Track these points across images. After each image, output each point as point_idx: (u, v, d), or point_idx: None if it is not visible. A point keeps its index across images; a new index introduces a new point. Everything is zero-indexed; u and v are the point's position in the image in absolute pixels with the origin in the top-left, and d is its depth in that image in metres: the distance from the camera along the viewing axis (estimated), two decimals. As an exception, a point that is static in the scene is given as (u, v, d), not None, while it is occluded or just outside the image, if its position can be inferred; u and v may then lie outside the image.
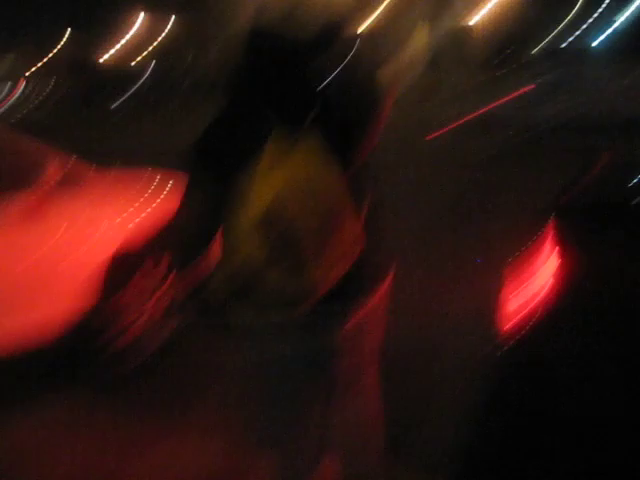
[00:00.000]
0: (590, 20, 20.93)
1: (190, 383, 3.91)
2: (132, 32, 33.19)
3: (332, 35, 2.11)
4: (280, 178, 1.91)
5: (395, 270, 2.40)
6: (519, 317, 2.43)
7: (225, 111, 2.11)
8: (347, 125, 2.03)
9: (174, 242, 2.25)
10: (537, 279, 2.48)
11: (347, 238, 1.99)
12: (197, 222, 2.08)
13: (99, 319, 3.83)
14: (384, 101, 2.12)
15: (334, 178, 1.96)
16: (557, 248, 2.40)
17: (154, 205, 4.20)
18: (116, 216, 4.13)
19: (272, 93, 2.02)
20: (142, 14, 32.17)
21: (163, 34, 32.32)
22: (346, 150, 2.02)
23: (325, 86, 2.04)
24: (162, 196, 4.32)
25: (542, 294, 2.35)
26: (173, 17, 31.67)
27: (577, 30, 21.36)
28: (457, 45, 33.12)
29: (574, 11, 21.71)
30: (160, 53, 34.97)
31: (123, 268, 3.95)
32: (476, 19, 25.51)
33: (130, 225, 4.09)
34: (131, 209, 4.19)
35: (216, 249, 2.16)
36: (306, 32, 2.05)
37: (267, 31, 2.06)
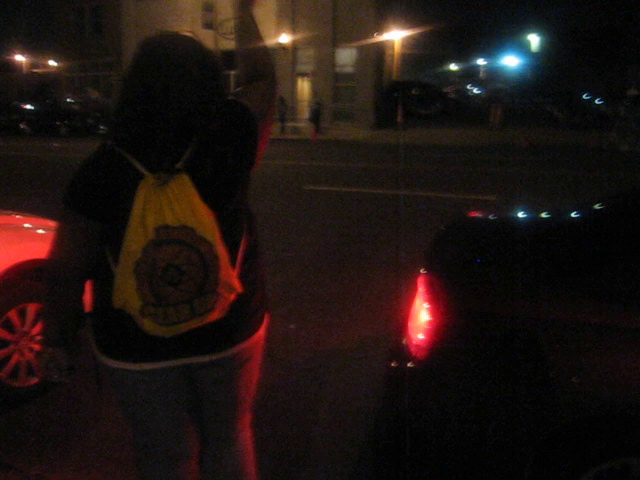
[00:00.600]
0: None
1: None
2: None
3: (214, 63, 2.05)
4: (151, 223, 1.89)
5: (272, 311, 2.45)
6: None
7: (99, 156, 2.04)
8: (220, 166, 2.02)
9: (48, 282, 2.18)
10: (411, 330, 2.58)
11: (223, 281, 1.98)
12: (72, 261, 2.07)
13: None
14: (261, 130, 2.14)
15: (210, 220, 1.94)
16: (426, 303, 2.51)
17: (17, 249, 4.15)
18: None
19: (138, 137, 1.98)
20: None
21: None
22: (219, 192, 2.02)
23: (203, 118, 1.97)
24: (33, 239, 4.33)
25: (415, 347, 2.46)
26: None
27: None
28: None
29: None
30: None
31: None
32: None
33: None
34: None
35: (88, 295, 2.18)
36: (175, 73, 1.95)
37: (138, 72, 1.98)
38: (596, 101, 35.97)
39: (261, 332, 2.32)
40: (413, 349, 2.44)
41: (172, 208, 1.91)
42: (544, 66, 58.69)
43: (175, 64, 1.94)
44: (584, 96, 37.95)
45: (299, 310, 5.92)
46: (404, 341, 2.58)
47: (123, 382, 2.21)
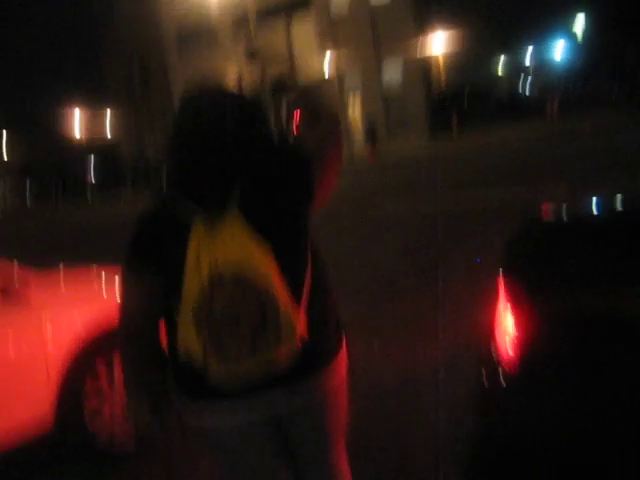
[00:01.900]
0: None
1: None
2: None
3: (252, 114, 2.14)
4: (205, 267, 1.92)
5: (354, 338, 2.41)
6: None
7: (152, 208, 2.14)
8: (273, 202, 2.06)
9: (122, 340, 2.22)
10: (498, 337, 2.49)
11: (283, 318, 1.96)
12: (141, 318, 2.12)
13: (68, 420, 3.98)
14: (315, 175, 2.13)
15: (265, 258, 1.94)
16: (510, 306, 2.42)
17: (99, 304, 4.26)
18: (64, 320, 4.17)
19: (188, 181, 2.07)
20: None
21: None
22: (276, 227, 2.03)
23: (247, 163, 2.05)
24: (105, 293, 4.44)
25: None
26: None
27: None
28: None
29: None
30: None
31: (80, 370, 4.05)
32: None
33: (79, 328, 4.10)
34: (77, 311, 4.27)
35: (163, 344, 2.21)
36: (222, 113, 2.07)
37: (188, 117, 2.10)
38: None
39: (340, 359, 2.27)
40: (503, 360, 2.35)
41: (226, 248, 1.93)
42: (593, 47, 57.32)
43: (211, 120, 2.04)
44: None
45: (381, 332, 5.86)
46: (493, 352, 2.49)
47: (209, 425, 2.21)
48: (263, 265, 1.93)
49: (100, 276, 4.70)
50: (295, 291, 2.03)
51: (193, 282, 1.94)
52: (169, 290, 2.03)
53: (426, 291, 7.02)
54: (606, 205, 3.18)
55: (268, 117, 2.18)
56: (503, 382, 2.33)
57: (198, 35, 37.13)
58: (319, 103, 2.42)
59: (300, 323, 2.02)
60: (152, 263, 2.05)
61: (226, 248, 1.93)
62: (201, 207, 1.99)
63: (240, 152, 2.04)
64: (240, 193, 2.00)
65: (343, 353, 2.29)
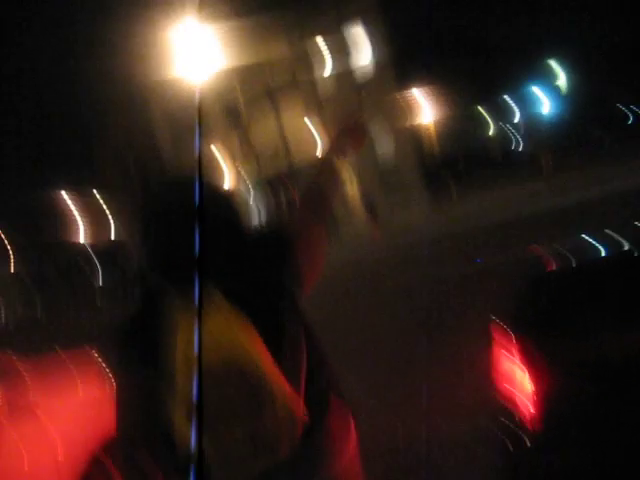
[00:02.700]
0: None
1: None
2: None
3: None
4: (193, 357, 1.82)
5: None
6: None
7: (138, 297, 2.20)
8: (259, 275, 2.07)
9: (121, 437, 2.21)
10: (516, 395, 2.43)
11: (286, 409, 1.95)
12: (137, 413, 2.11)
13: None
14: (301, 254, 2.17)
15: (250, 337, 1.95)
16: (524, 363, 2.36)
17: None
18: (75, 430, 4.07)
19: (161, 258, 2.08)
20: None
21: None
22: (263, 303, 2.04)
23: (226, 235, 2.06)
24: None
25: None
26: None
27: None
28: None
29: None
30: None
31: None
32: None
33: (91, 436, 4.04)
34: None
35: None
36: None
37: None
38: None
39: (350, 450, 2.23)
40: (525, 420, 2.28)
41: (216, 340, 1.93)
42: (579, 92, 57.97)
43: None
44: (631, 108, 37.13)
45: (397, 401, 5.73)
46: (513, 412, 2.42)
47: None
48: (258, 358, 1.95)
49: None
50: (294, 380, 2.01)
51: (184, 373, 1.92)
52: (161, 384, 1.99)
53: (439, 357, 6.91)
54: (607, 249, 3.16)
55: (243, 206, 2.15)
56: (528, 442, 2.26)
57: (189, 126, 37.72)
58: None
59: (301, 415, 1.99)
60: (143, 360, 2.04)
61: (218, 339, 1.94)
62: (182, 295, 1.97)
63: (220, 237, 2.01)
64: (226, 279, 1.99)
65: (353, 438, 2.25)
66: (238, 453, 1.94)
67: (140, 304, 2.16)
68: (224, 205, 2.15)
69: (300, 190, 2.38)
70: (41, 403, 4.13)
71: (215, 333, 1.93)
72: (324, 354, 2.25)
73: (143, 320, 2.10)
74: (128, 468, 2.26)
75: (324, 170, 2.36)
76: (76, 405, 4.44)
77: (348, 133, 2.39)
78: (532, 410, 2.24)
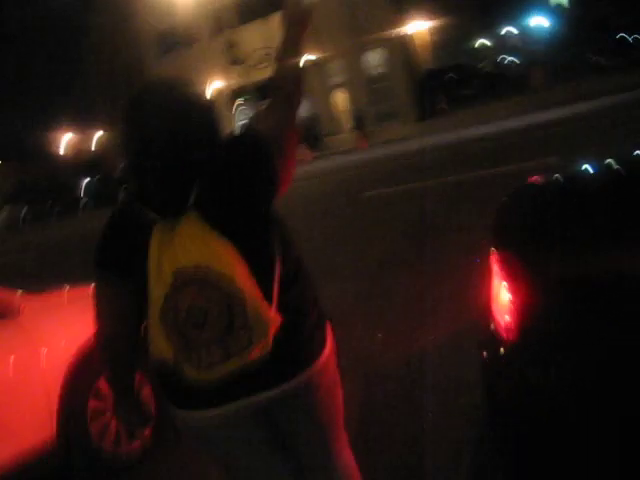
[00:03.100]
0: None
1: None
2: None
3: (188, 119, 1.98)
4: (167, 268, 1.87)
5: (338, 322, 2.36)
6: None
7: (116, 213, 2.12)
8: (232, 198, 1.98)
9: (100, 346, 2.21)
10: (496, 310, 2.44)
11: (253, 315, 1.88)
12: (115, 324, 2.11)
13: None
14: (272, 163, 2.05)
15: (227, 255, 1.88)
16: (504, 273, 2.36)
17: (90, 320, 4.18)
18: (60, 341, 4.11)
19: (143, 184, 2.01)
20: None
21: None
22: (236, 224, 1.95)
23: (201, 161, 1.96)
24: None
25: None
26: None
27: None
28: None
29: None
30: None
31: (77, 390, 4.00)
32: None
33: (76, 347, 4.04)
34: (73, 331, 4.16)
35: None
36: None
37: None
38: (637, 36, 34.77)
39: (326, 353, 2.19)
40: (502, 333, 2.29)
41: (185, 249, 1.88)
42: (575, 19, 57.25)
43: (154, 114, 1.94)
44: (622, 35, 36.75)
45: (381, 320, 5.81)
46: (492, 326, 2.44)
47: (198, 432, 2.20)
48: (225, 262, 1.86)
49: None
50: (265, 286, 1.96)
51: (157, 283, 1.90)
52: (140, 295, 1.98)
53: (423, 268, 6.99)
54: (599, 168, 3.14)
55: (218, 113, 2.08)
56: (502, 350, 2.28)
57: (178, 39, 37.01)
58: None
59: (272, 320, 1.95)
60: (118, 269, 2.03)
61: (185, 249, 1.88)
62: (158, 209, 1.96)
63: (192, 150, 1.95)
64: (197, 192, 1.94)
65: (330, 343, 2.23)
66: (208, 354, 1.90)
67: (123, 219, 2.10)
68: (202, 113, 2.01)
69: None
70: (25, 301, 4.14)
71: (190, 247, 1.88)
72: (301, 265, 2.21)
73: (123, 232, 2.06)
74: (110, 374, 2.28)
75: (284, 65, 2.27)
76: (61, 305, 4.46)
77: (294, 12, 2.30)
78: (507, 319, 2.25)
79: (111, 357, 2.19)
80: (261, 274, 1.95)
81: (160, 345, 1.94)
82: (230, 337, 1.88)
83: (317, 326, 2.18)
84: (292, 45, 2.27)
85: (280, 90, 2.25)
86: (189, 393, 2.03)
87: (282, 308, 2.00)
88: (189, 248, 1.88)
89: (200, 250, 1.87)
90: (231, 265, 1.87)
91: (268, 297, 1.96)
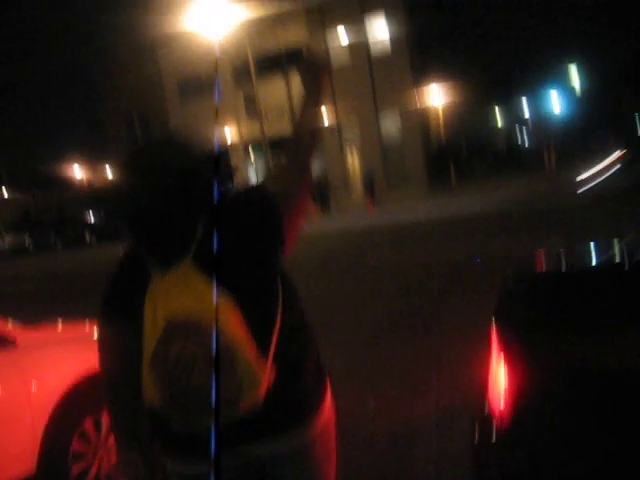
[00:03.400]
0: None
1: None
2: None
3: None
4: (160, 317, 1.90)
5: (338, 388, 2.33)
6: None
7: (121, 260, 2.17)
8: (234, 251, 1.96)
9: (106, 394, 2.23)
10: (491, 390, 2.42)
11: (247, 368, 1.88)
12: (119, 370, 2.14)
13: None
14: (278, 220, 2.06)
15: (222, 306, 1.87)
16: (503, 357, 2.34)
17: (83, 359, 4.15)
18: (45, 376, 4.09)
19: (144, 233, 2.04)
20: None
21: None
22: (236, 276, 1.93)
23: (204, 212, 2.00)
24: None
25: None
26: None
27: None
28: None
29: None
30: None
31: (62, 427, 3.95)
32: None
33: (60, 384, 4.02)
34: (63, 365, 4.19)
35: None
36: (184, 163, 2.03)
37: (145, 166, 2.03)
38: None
39: (324, 408, 2.17)
40: (497, 414, 2.27)
41: (179, 298, 1.90)
42: (590, 100, 58.11)
43: (158, 167, 1.98)
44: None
45: (378, 385, 5.76)
46: (487, 405, 2.41)
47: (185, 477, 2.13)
48: (219, 313, 1.82)
49: (89, 330, 4.60)
50: (263, 340, 1.96)
51: (150, 332, 1.92)
52: (139, 342, 2.00)
53: (423, 340, 6.94)
54: (604, 251, 3.14)
55: (229, 166, 2.11)
56: (494, 437, 2.25)
57: (199, 87, 37.56)
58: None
59: (265, 373, 1.94)
60: (122, 316, 2.05)
61: (180, 298, 1.90)
62: (157, 258, 2.00)
63: (195, 202, 1.99)
64: (197, 243, 1.97)
65: (328, 402, 2.20)
66: (195, 405, 1.89)
67: (126, 266, 2.15)
68: (207, 166, 2.01)
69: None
70: (20, 333, 4.12)
71: (185, 297, 1.90)
72: (303, 320, 2.20)
73: (128, 279, 2.10)
74: (112, 420, 2.29)
75: (304, 121, 2.31)
76: (55, 341, 4.44)
77: (311, 71, 2.34)
78: (503, 401, 2.22)
79: (114, 401, 2.19)
80: (259, 327, 1.96)
81: (150, 393, 1.94)
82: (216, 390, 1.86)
83: (316, 383, 2.17)
84: (311, 103, 2.31)
85: (296, 148, 2.27)
86: (178, 444, 2.02)
87: (279, 362, 1.99)
88: (183, 297, 1.90)
89: (193, 300, 1.89)
90: (222, 317, 1.86)
91: (265, 350, 1.96)
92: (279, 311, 2.07)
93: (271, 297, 2.07)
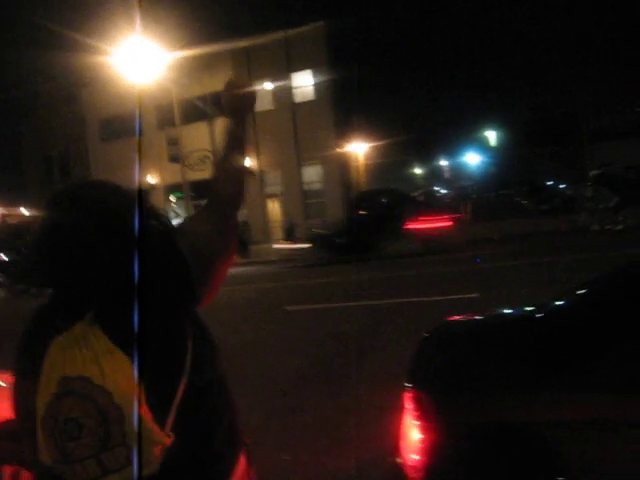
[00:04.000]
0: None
1: None
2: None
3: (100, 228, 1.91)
4: (54, 376, 1.81)
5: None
6: None
7: (31, 318, 2.02)
8: (142, 311, 1.75)
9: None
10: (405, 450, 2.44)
11: (132, 433, 1.77)
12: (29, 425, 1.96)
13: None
14: (189, 274, 1.98)
15: (109, 369, 1.79)
16: (415, 420, 2.37)
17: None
18: None
19: (55, 282, 1.94)
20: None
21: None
22: (146, 336, 1.73)
23: (109, 272, 1.88)
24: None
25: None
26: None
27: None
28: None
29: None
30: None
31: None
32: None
33: None
34: None
35: None
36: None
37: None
38: (560, 185, 36.69)
39: (237, 477, 2.05)
40: (408, 470, 2.28)
41: (73, 357, 1.81)
42: (504, 158, 60.50)
43: (64, 225, 1.89)
44: (547, 182, 38.78)
45: (291, 439, 5.70)
46: (399, 462, 2.43)
47: None
48: (107, 377, 1.79)
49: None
50: (162, 406, 1.85)
51: (43, 390, 1.82)
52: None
53: (342, 388, 6.93)
54: (518, 314, 3.23)
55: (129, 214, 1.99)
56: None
57: (121, 128, 37.21)
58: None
59: (158, 441, 1.83)
60: (25, 373, 1.93)
61: (73, 358, 1.81)
62: (62, 315, 1.89)
63: (100, 260, 1.88)
64: (100, 301, 1.87)
65: (240, 468, 2.08)
66: (83, 468, 1.80)
67: (36, 322, 2.01)
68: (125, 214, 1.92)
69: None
70: None
71: (76, 352, 1.82)
72: (217, 380, 2.09)
73: (33, 333, 1.98)
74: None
75: (225, 165, 2.25)
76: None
77: (235, 95, 2.32)
78: (414, 458, 2.24)
79: (20, 457, 2.09)
80: (158, 394, 1.85)
81: (43, 452, 1.84)
82: (105, 454, 1.79)
83: (222, 454, 2.04)
84: (234, 142, 2.27)
85: (220, 192, 2.21)
86: None
87: (180, 430, 1.88)
88: (76, 358, 1.81)
89: (85, 361, 1.81)
90: (113, 380, 1.79)
91: (163, 417, 1.85)
92: (185, 371, 1.94)
93: (175, 356, 1.94)
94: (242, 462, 2.12)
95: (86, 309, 1.86)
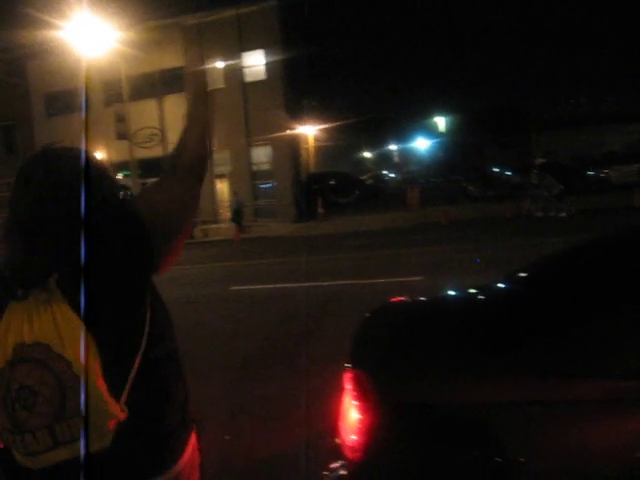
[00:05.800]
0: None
1: None
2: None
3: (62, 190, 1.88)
4: (10, 342, 1.76)
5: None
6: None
7: None
8: (99, 277, 1.80)
9: None
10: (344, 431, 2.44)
11: (95, 406, 1.73)
12: None
13: None
14: (147, 242, 1.93)
15: (69, 337, 1.74)
16: (354, 400, 2.37)
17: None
18: None
19: (12, 254, 1.87)
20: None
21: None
22: (99, 304, 1.79)
23: (71, 238, 1.80)
24: None
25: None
26: None
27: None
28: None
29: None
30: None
31: None
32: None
33: None
34: None
35: None
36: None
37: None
38: (506, 172, 37.17)
39: (185, 458, 2.01)
40: (347, 451, 2.29)
41: (31, 324, 1.76)
42: (453, 145, 61.21)
43: (35, 183, 1.86)
44: (494, 169, 39.25)
45: (232, 420, 5.69)
46: (338, 442, 2.43)
47: None
48: (67, 345, 1.74)
49: None
50: (117, 379, 1.82)
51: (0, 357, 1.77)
52: None
53: (293, 368, 6.94)
54: (461, 296, 3.26)
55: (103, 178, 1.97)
56: (345, 468, 2.28)
57: (68, 102, 36.45)
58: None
59: (113, 414, 1.79)
60: None
61: (31, 324, 1.76)
62: (20, 279, 1.83)
63: (63, 225, 1.83)
64: (62, 268, 1.81)
65: (188, 454, 2.05)
66: (34, 439, 1.76)
67: None
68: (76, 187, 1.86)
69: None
70: None
71: (38, 327, 1.76)
72: (173, 353, 2.06)
73: None
74: None
75: (189, 138, 2.24)
76: None
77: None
78: (353, 438, 2.25)
79: None
80: (115, 366, 1.82)
81: None
82: (59, 424, 1.74)
83: (174, 431, 2.01)
84: (197, 115, 2.28)
85: (182, 163, 2.17)
86: (20, 478, 1.85)
87: (134, 405, 1.85)
88: (35, 324, 1.76)
89: (44, 328, 1.75)
90: (73, 349, 1.74)
91: (119, 386, 1.82)
92: (142, 343, 1.91)
93: (134, 327, 1.91)
94: (193, 439, 2.10)
95: (47, 275, 1.81)
